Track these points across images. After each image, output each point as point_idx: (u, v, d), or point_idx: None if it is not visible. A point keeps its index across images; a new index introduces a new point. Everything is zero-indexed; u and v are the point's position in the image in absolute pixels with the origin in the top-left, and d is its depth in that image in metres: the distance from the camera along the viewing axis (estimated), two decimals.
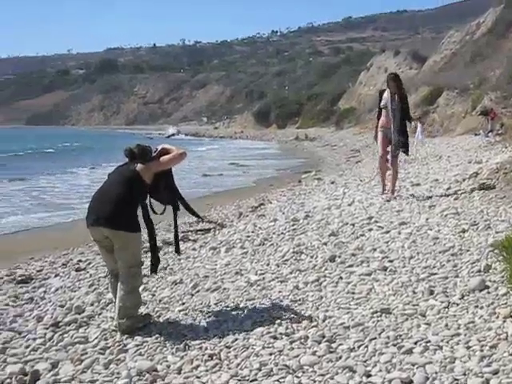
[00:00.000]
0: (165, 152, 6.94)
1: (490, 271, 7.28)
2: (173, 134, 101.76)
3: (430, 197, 12.89)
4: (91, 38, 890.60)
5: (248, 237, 10.93)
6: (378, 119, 13.71)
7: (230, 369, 5.45)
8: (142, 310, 7.01)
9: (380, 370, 5.14)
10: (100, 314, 7.25)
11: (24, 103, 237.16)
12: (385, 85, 13.62)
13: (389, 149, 13.41)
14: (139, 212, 6.76)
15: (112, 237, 6.52)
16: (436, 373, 4.97)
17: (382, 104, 13.43)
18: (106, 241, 6.61)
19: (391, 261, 8.26)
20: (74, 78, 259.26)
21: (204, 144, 78.05)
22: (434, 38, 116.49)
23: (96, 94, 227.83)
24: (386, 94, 13.31)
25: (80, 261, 10.66)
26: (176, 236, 7.45)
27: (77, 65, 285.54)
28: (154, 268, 7.09)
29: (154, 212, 7.01)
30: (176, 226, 7.39)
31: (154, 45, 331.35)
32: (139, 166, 6.65)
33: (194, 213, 7.53)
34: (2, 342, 6.44)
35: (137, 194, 6.66)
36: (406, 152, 13.69)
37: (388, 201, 12.87)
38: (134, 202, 6.65)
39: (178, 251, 7.56)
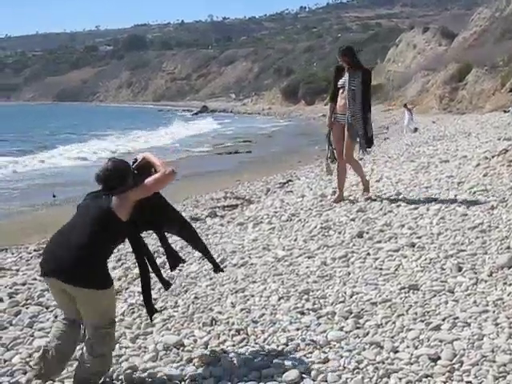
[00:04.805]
0: (146, 165, 5.24)
1: None
2: (200, 112, 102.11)
3: (459, 173, 12.78)
4: (119, 14, 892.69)
5: (275, 212, 10.91)
6: (334, 102, 11.15)
7: (256, 344, 5.47)
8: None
9: (407, 346, 5.14)
10: (127, 288, 7.27)
11: (52, 79, 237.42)
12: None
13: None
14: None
15: (72, 293, 4.85)
16: (464, 349, 4.97)
17: (340, 82, 10.97)
18: (63, 293, 4.94)
19: (419, 237, 8.24)
20: (101, 54, 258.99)
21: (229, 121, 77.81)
22: (464, 14, 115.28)
23: (124, 70, 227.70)
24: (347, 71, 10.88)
25: None
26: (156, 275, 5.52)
27: (104, 41, 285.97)
28: (150, 315, 5.53)
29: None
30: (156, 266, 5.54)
31: (182, 21, 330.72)
32: (114, 201, 4.88)
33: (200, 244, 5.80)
34: (30, 316, 6.49)
35: (109, 238, 4.96)
36: (369, 147, 11.66)
37: (371, 199, 11.08)
38: (103, 249, 4.97)
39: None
